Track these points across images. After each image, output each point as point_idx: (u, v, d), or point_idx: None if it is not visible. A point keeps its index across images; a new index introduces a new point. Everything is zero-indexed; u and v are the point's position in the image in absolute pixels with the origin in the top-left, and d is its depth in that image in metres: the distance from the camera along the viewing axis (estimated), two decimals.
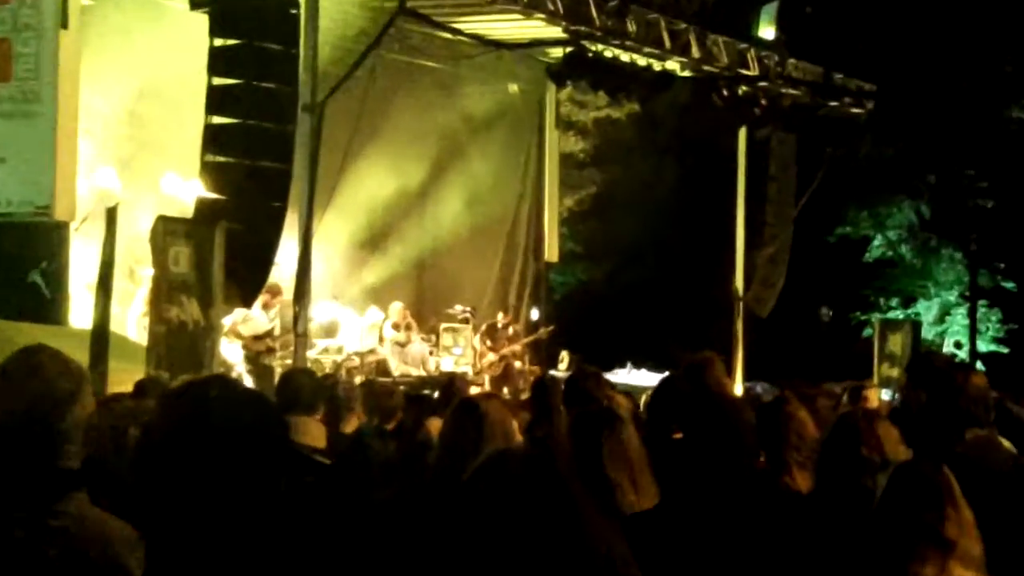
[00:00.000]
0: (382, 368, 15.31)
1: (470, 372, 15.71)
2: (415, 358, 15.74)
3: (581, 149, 23.36)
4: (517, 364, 16.70)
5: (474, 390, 11.53)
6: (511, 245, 18.79)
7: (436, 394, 8.21)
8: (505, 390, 15.89)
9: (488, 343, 16.52)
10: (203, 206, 11.14)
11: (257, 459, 1.98)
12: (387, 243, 17.22)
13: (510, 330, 16.82)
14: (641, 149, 23.92)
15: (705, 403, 4.33)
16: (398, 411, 6.78)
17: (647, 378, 15.86)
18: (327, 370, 13.93)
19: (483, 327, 16.63)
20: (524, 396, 11.26)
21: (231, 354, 13.24)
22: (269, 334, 13.67)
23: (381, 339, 15.63)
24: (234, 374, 12.69)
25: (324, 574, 3.64)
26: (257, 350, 13.50)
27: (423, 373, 15.49)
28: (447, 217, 17.94)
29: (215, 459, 1.94)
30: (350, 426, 6.03)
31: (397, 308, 15.86)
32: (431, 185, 17.73)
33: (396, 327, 15.69)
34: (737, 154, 19.08)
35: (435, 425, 5.70)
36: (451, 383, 7.74)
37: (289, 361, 13.12)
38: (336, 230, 15.76)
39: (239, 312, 13.09)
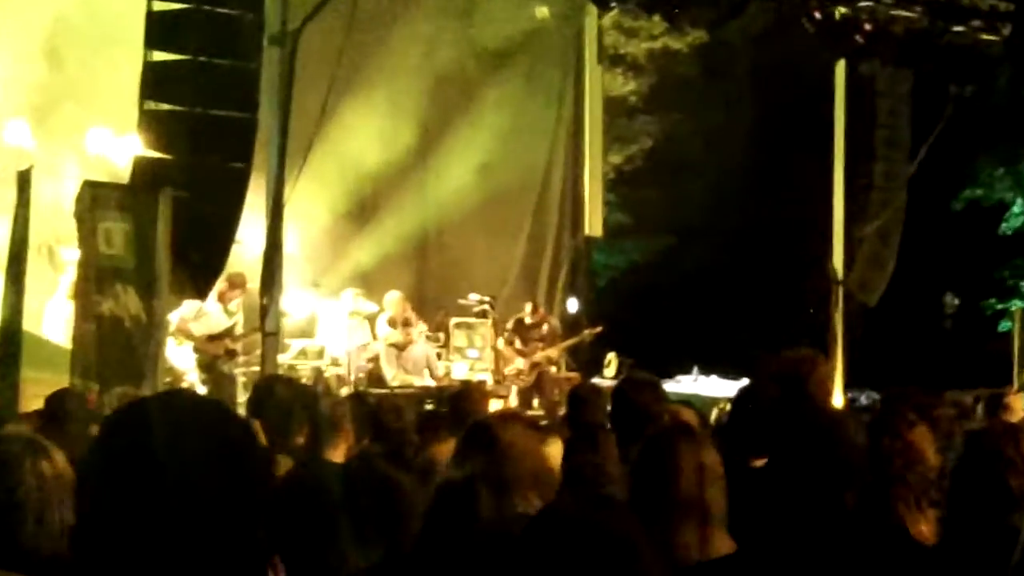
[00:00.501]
0: (376, 376, 15.30)
1: (489, 380, 15.66)
2: (417, 363, 15.67)
3: (631, 91, 23.30)
4: (552, 370, 16.60)
5: (495, 404, 11.53)
6: (540, 217, 18.77)
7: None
8: (536, 403, 15.87)
9: (516, 345, 16.37)
10: (142, 168, 11.16)
11: (227, 503, 1.88)
12: (380, 215, 17.22)
13: (544, 327, 16.61)
14: (708, 91, 23.84)
15: (804, 418, 4.27)
16: (405, 434, 6.72)
17: (718, 387, 15.86)
18: (305, 379, 13.97)
19: (509, 324, 16.49)
20: (562, 411, 11.25)
21: (180, 359, 13.29)
22: (229, 333, 13.71)
23: (374, 334, 15.60)
24: (184, 384, 12.74)
25: None
26: (213, 354, 13.54)
27: (429, 382, 15.46)
28: (456, 181, 17.90)
29: (168, 506, 1.85)
30: (338, 451, 6.02)
31: (394, 299, 15.80)
32: (435, 140, 17.72)
33: (392, 323, 15.61)
34: (834, 96, 18.99)
35: (442, 450, 5.69)
36: (462, 395, 7.73)
37: (256, 368, 13.16)
38: (314, 199, 15.76)
39: (190, 305, 13.13)
